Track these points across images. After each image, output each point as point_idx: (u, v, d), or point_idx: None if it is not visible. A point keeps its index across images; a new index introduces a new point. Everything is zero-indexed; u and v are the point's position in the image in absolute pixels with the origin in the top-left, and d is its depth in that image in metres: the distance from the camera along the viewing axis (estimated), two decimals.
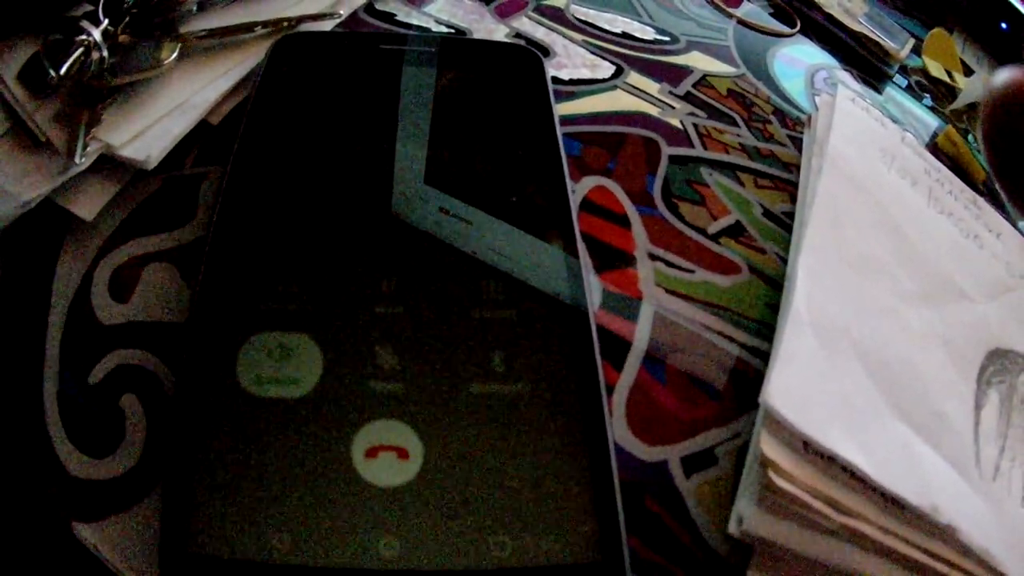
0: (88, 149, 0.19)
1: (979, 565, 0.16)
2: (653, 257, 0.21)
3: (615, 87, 0.25)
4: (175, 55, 0.21)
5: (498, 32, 0.26)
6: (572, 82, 0.25)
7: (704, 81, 0.27)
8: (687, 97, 0.26)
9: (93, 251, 0.19)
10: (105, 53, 0.21)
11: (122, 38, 0.22)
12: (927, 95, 0.32)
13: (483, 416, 0.15)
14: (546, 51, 0.26)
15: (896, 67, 0.32)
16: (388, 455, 0.15)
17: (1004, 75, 0.29)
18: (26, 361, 0.17)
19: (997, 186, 0.29)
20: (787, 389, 0.17)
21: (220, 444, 0.15)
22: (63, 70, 0.21)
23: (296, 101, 0.21)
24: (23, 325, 0.17)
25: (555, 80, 0.24)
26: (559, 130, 0.20)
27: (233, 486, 0.14)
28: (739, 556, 0.16)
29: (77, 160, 0.19)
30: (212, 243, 0.17)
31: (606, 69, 0.26)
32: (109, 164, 0.20)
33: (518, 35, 0.26)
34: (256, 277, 0.17)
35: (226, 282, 0.17)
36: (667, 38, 0.28)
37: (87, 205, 0.19)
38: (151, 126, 0.20)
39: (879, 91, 0.31)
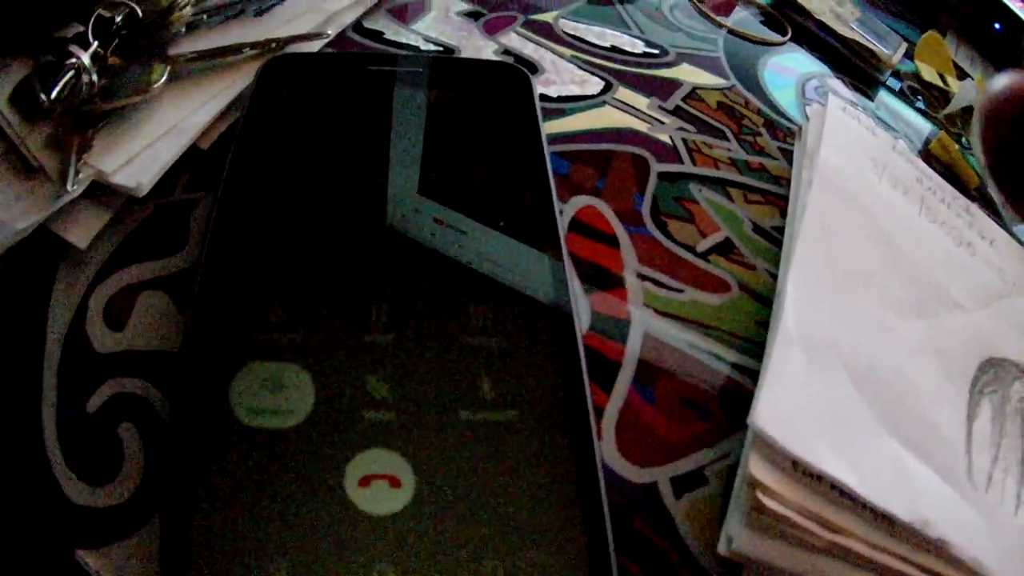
0: (80, 176, 0.19)
1: None
2: (642, 277, 0.21)
3: (604, 103, 0.25)
4: (164, 78, 0.22)
5: (487, 49, 0.26)
6: (561, 99, 0.25)
7: (694, 94, 0.27)
8: (676, 111, 0.26)
9: (87, 279, 0.19)
10: (95, 76, 0.21)
11: (112, 60, 0.23)
12: (919, 99, 0.33)
13: (473, 443, 0.16)
14: (534, 67, 0.26)
15: (888, 73, 0.32)
16: (381, 484, 0.15)
17: (1002, 80, 0.29)
18: (24, 390, 0.17)
19: (991, 190, 0.29)
20: (775, 410, 0.17)
21: (215, 475, 0.15)
22: (54, 94, 0.21)
23: (286, 123, 0.21)
24: (20, 354, 0.18)
25: (543, 97, 0.24)
26: (547, 150, 0.21)
27: (229, 516, 0.14)
28: (731, 575, 0.17)
29: (69, 187, 0.19)
30: (203, 272, 0.17)
31: (595, 85, 0.26)
32: (101, 190, 0.20)
33: (506, 52, 0.27)
34: (248, 306, 0.17)
35: (218, 311, 0.17)
36: (656, 51, 0.28)
37: (81, 233, 0.20)
38: (141, 151, 0.20)
39: (871, 98, 0.31)
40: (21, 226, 0.19)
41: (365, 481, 0.15)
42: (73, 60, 0.21)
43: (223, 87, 0.22)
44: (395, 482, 0.15)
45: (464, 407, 0.16)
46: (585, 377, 0.17)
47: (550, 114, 0.24)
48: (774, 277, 0.22)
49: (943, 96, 0.33)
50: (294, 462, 0.15)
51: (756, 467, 0.17)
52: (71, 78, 0.21)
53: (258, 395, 0.16)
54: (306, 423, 0.16)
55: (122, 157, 0.20)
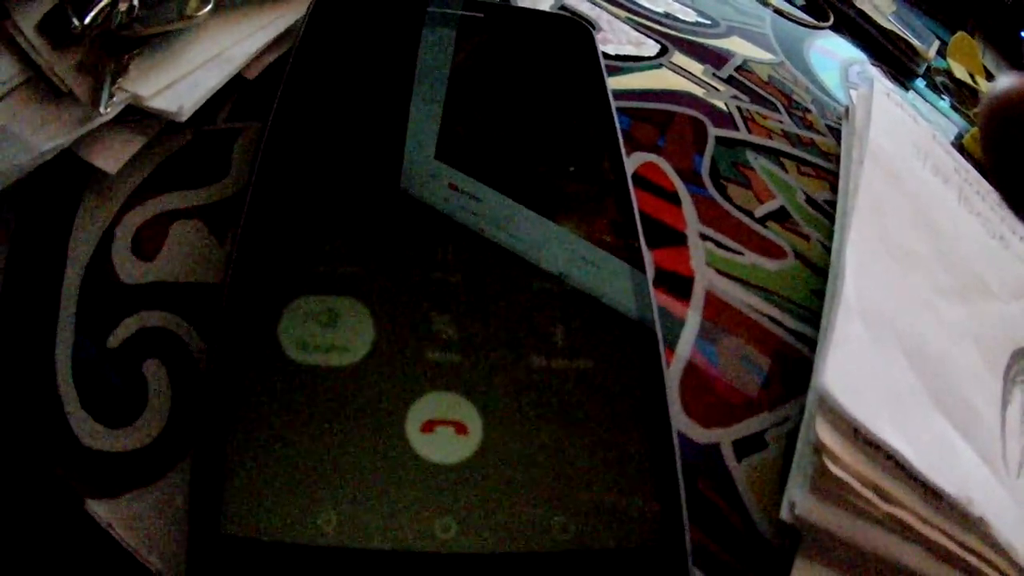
0: (114, 99, 0.17)
1: (1011, 564, 0.16)
2: (704, 237, 0.19)
3: (660, 65, 0.23)
4: (210, 7, 0.19)
5: (542, 3, 0.25)
6: (618, 58, 0.23)
7: (745, 66, 0.25)
8: (730, 80, 0.24)
9: (116, 206, 0.17)
10: (135, 1, 0.19)
11: None
12: (946, 96, 0.31)
13: (545, 391, 0.14)
14: (592, 24, 0.24)
15: (924, 66, 0.31)
16: (445, 430, 0.13)
17: (1004, 82, 0.28)
18: (38, 322, 0.15)
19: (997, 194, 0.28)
20: (841, 375, 0.16)
21: (259, 414, 0.13)
22: (88, 19, 0.18)
23: (340, 58, 0.19)
24: (36, 284, 0.15)
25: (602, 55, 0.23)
26: (613, 103, 0.19)
27: (273, 461, 0.12)
28: (787, 542, 0.15)
29: (102, 110, 0.17)
30: (252, 197, 0.15)
31: (651, 47, 0.24)
32: (136, 116, 0.18)
33: (563, 7, 0.25)
34: (301, 235, 0.15)
35: (268, 239, 0.15)
36: (708, 21, 0.27)
37: (111, 158, 0.17)
38: (183, 77, 0.18)
39: (906, 88, 0.30)
40: (45, 148, 0.16)
41: (428, 426, 0.13)
42: None
43: (273, 18, 0.20)
44: (461, 428, 0.13)
45: (536, 353, 0.14)
46: (658, 329, 0.15)
47: (608, 71, 0.22)
48: (827, 249, 0.21)
49: (972, 95, 0.31)
50: (350, 403, 0.13)
51: (823, 432, 0.16)
52: (107, 4, 0.19)
53: (311, 330, 0.14)
54: (364, 361, 0.13)
55: (161, 82, 0.18)
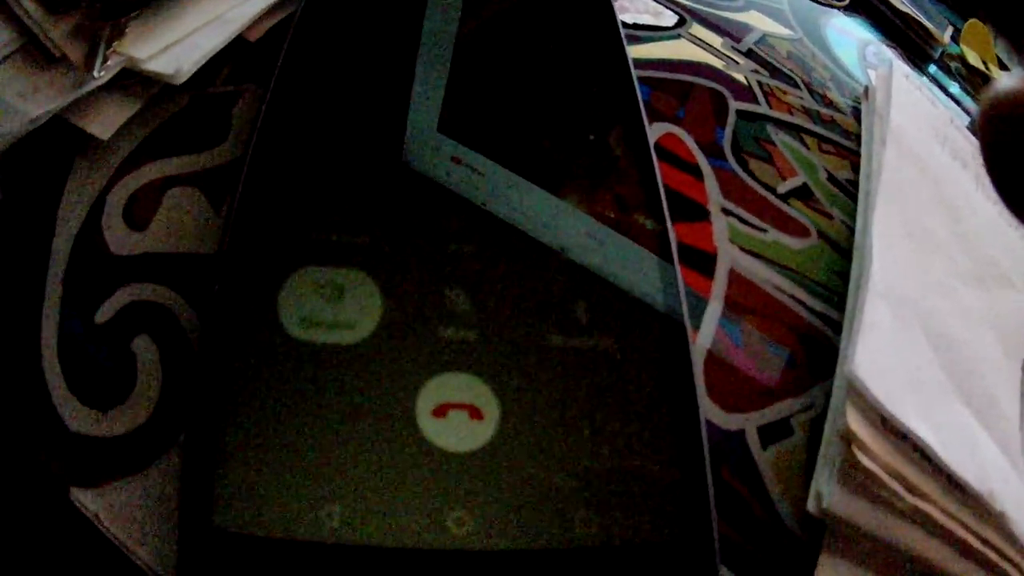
0: (108, 63, 0.15)
1: None
2: (726, 212, 0.17)
3: (679, 36, 0.22)
4: None
5: None
6: (635, 27, 0.21)
7: (765, 41, 0.23)
8: (750, 54, 0.22)
9: (107, 173, 0.15)
10: None
11: None
12: (955, 81, 0.29)
13: (565, 373, 0.12)
14: None
15: (940, 51, 0.29)
16: (459, 414, 0.11)
17: (1006, 82, 0.26)
18: (23, 296, 0.13)
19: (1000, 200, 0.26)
20: (871, 362, 0.15)
21: (256, 396, 0.11)
22: None
23: (345, 22, 0.17)
24: (22, 255, 0.14)
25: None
26: (634, 72, 0.17)
27: (271, 448, 0.11)
28: (811, 533, 0.14)
29: (96, 73, 0.15)
30: (251, 163, 0.13)
31: (669, 18, 0.22)
32: (130, 80, 0.16)
33: None
34: (302, 204, 0.13)
35: (267, 207, 0.13)
36: None
37: (103, 123, 0.15)
38: (181, 40, 0.16)
39: (921, 72, 0.28)
40: (35, 113, 0.15)
41: (441, 411, 0.11)
42: None
43: None
44: (476, 413, 0.11)
45: (556, 331, 0.12)
46: (684, 307, 0.13)
47: (626, 40, 0.20)
48: (850, 229, 0.19)
49: (985, 82, 0.29)
50: (355, 385, 0.11)
51: (853, 421, 0.14)
52: None
53: (313, 305, 0.12)
54: (371, 339, 0.12)
55: (158, 45, 0.16)
